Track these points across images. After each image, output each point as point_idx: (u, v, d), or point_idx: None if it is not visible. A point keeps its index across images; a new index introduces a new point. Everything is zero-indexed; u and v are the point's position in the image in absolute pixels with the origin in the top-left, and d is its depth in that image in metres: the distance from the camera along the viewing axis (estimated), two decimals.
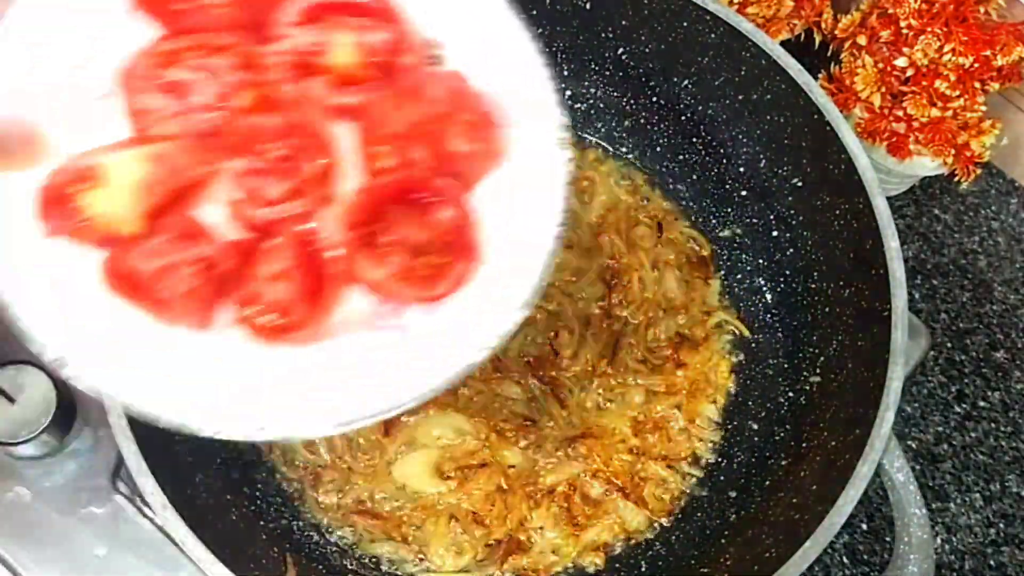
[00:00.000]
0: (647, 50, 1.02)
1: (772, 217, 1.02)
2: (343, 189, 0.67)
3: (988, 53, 0.98)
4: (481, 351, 0.63)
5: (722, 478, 0.97)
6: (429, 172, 0.65)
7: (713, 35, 0.95)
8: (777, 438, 0.95)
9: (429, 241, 0.65)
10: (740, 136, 1.02)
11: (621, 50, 1.03)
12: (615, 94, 1.08)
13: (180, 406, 0.60)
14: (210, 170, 0.65)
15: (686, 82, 1.03)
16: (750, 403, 1.00)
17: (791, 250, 1.00)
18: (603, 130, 1.11)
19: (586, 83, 1.08)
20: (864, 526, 1.04)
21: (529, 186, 0.66)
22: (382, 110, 0.66)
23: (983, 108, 1.03)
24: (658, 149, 1.09)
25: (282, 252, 0.64)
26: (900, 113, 1.04)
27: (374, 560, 0.91)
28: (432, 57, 0.69)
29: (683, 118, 1.06)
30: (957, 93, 1.01)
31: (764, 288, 1.03)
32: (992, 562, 1.03)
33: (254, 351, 0.63)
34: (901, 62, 1.02)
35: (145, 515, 0.91)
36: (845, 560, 1.02)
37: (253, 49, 0.67)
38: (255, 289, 0.63)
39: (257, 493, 0.91)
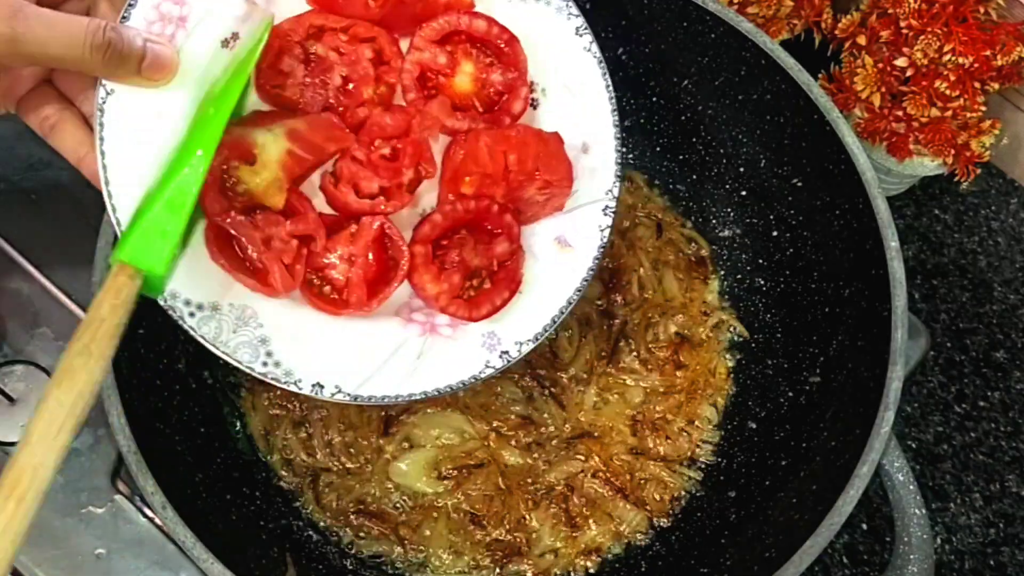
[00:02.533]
0: (647, 50, 1.02)
1: (772, 217, 1.02)
2: (424, 202, 0.75)
3: (988, 53, 0.98)
4: (488, 369, 0.71)
5: (722, 478, 0.97)
6: (500, 209, 0.74)
7: (713, 35, 0.95)
8: (777, 438, 0.95)
9: (483, 267, 0.74)
10: (740, 136, 1.02)
11: (621, 50, 1.03)
12: (615, 94, 1.08)
13: (216, 327, 0.67)
14: (339, 149, 0.72)
15: (686, 82, 1.02)
16: (750, 403, 1.00)
17: (791, 250, 1.00)
18: None
19: None
20: (864, 526, 1.04)
21: (571, 238, 0.75)
22: (481, 143, 0.73)
23: (983, 108, 1.03)
24: (658, 149, 1.09)
25: (358, 240, 0.71)
26: (900, 113, 1.04)
27: (374, 560, 0.91)
28: (533, 101, 0.78)
29: (683, 118, 1.06)
30: (957, 93, 1.01)
31: (764, 288, 1.03)
32: (992, 562, 1.03)
33: (300, 307, 0.70)
34: (901, 62, 1.02)
35: (145, 515, 0.92)
36: (845, 560, 1.02)
37: (391, 48, 0.75)
38: (325, 261, 0.71)
39: (257, 493, 0.91)
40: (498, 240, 0.74)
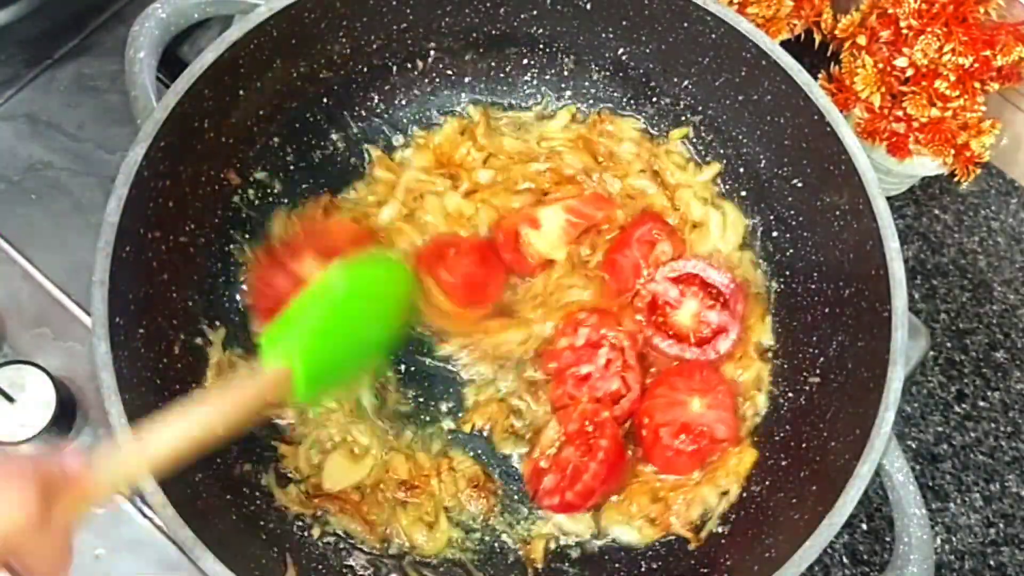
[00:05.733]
0: (647, 50, 1.02)
1: (772, 217, 1.02)
2: None
3: (988, 53, 0.98)
4: None
5: None
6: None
7: (713, 35, 0.95)
8: (777, 438, 0.95)
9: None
10: (740, 136, 1.02)
11: (621, 50, 1.03)
12: (615, 94, 1.08)
13: None
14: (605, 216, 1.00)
15: (686, 82, 1.02)
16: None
17: (791, 250, 1.00)
18: None
19: (586, 83, 1.08)
20: (864, 526, 1.04)
21: None
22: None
23: (983, 108, 1.03)
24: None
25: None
26: (900, 113, 1.04)
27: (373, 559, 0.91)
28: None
29: (683, 118, 1.06)
30: (957, 93, 1.01)
31: (764, 288, 1.03)
32: (992, 562, 1.03)
33: None
34: (901, 62, 1.02)
35: (145, 515, 0.92)
36: (845, 560, 1.02)
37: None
38: None
39: (257, 493, 0.91)
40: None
